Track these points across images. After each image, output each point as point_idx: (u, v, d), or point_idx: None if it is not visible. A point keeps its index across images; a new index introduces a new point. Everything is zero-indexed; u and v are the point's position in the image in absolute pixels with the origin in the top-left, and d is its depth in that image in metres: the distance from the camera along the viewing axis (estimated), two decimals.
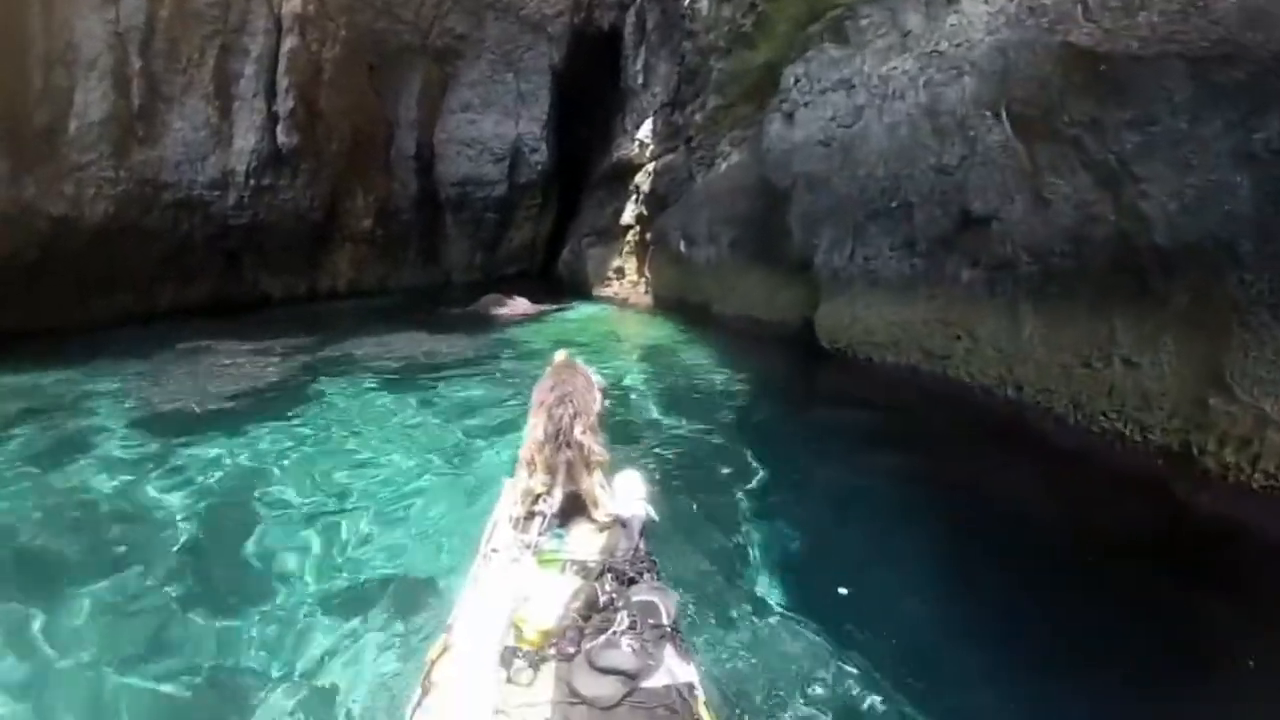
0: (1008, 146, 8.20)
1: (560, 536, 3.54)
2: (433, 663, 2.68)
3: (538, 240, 27.61)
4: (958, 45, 8.85)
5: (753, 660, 3.88)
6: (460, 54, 24.48)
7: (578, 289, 23.61)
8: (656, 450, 7.76)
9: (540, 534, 3.45)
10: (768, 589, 4.80)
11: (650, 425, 8.85)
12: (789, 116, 11.77)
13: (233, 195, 19.96)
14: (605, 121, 24.71)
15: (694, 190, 16.98)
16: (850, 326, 10.63)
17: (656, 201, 19.20)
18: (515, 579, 3.00)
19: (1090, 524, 5.99)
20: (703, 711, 2.46)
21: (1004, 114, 8.18)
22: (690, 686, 2.50)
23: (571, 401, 3.74)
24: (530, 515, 3.58)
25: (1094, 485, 6.73)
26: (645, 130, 20.39)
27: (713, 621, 4.25)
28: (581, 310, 20.11)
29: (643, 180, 20.52)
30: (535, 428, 3.79)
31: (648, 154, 20.38)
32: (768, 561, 5.19)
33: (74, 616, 4.51)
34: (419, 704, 2.53)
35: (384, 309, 21.49)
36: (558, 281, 25.55)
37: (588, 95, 25.74)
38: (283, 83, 19.69)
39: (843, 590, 4.72)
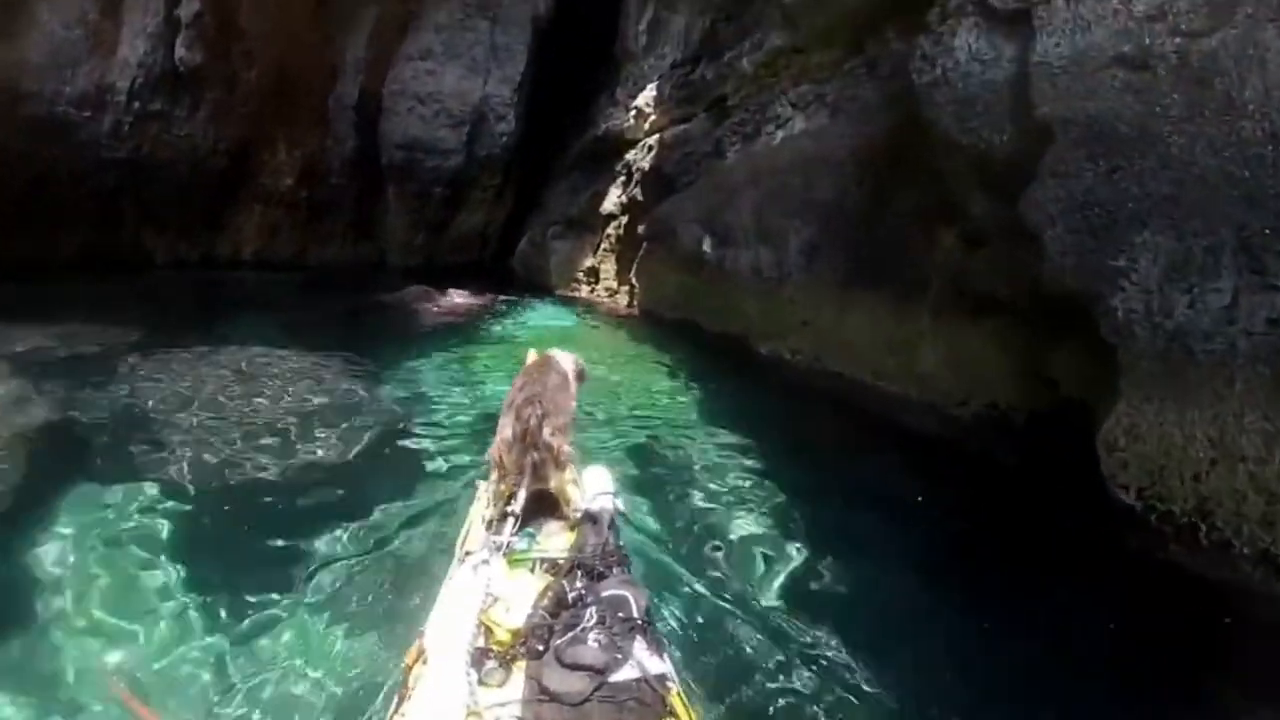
0: None
1: (531, 536, 3.47)
2: (409, 668, 2.68)
3: (492, 226, 23.11)
4: None
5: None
6: None
7: (536, 288, 19.34)
8: None
9: (511, 534, 3.33)
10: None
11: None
12: (1015, 18, 6.23)
13: (109, 119, 15.38)
14: (588, 94, 20.70)
15: (724, 168, 13.06)
16: (1223, 474, 4.62)
17: (658, 184, 15.16)
18: (485, 580, 2.92)
19: None
20: (675, 702, 2.43)
21: None
22: (662, 678, 2.47)
23: (540, 402, 3.66)
24: (503, 516, 3.44)
25: None
26: (646, 97, 16.34)
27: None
28: (538, 312, 15.99)
29: (638, 158, 16.52)
30: (504, 428, 3.72)
31: (647, 125, 16.37)
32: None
33: None
34: (396, 710, 2.53)
35: (290, 288, 17.29)
36: (510, 278, 21.32)
37: (567, 61, 21.72)
38: None
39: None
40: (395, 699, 2.63)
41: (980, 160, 6.72)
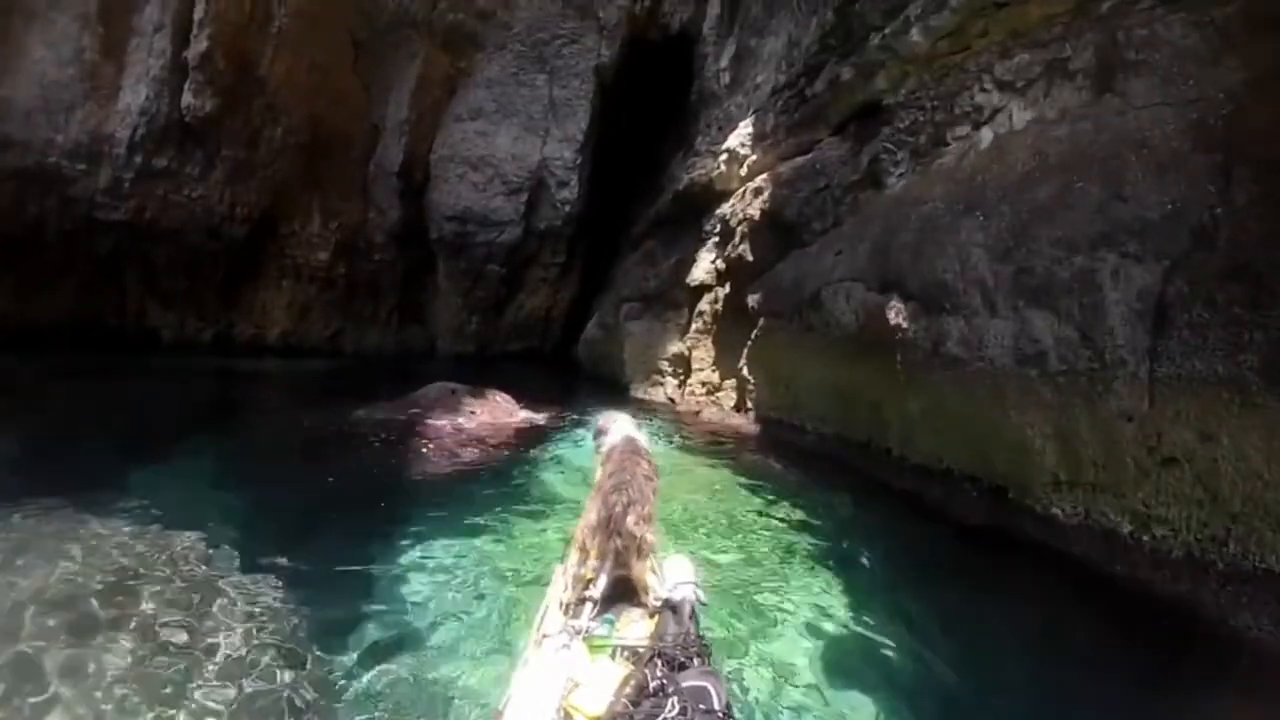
0: None
1: (610, 622, 3.31)
2: None
3: (555, 310, 20.38)
4: None
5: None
6: (478, 40, 18.11)
7: (604, 382, 16.13)
8: None
9: (590, 619, 3.23)
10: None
11: None
12: None
13: (105, 175, 13.41)
14: (660, 154, 18.10)
15: (889, 200, 9.24)
16: None
17: (775, 237, 11.65)
18: (565, 665, 2.87)
19: None
20: None
21: None
22: None
23: (628, 490, 3.60)
24: (581, 600, 3.36)
25: None
26: (740, 136, 13.16)
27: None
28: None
29: (737, 209, 13.00)
30: (589, 511, 3.70)
31: (744, 169, 13.04)
32: None
33: None
34: None
35: (302, 382, 14.47)
36: (574, 368, 18.28)
37: (635, 116, 19.32)
38: (199, 11, 13.20)
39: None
40: None
41: None
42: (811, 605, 4.81)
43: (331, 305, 17.41)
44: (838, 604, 4.88)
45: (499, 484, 7.68)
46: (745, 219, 12.44)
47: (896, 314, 7.77)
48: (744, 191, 12.86)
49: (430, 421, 10.27)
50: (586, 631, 3.15)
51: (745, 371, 11.64)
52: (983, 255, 6.83)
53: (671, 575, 3.51)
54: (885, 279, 8.22)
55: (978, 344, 6.67)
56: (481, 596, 4.69)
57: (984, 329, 6.65)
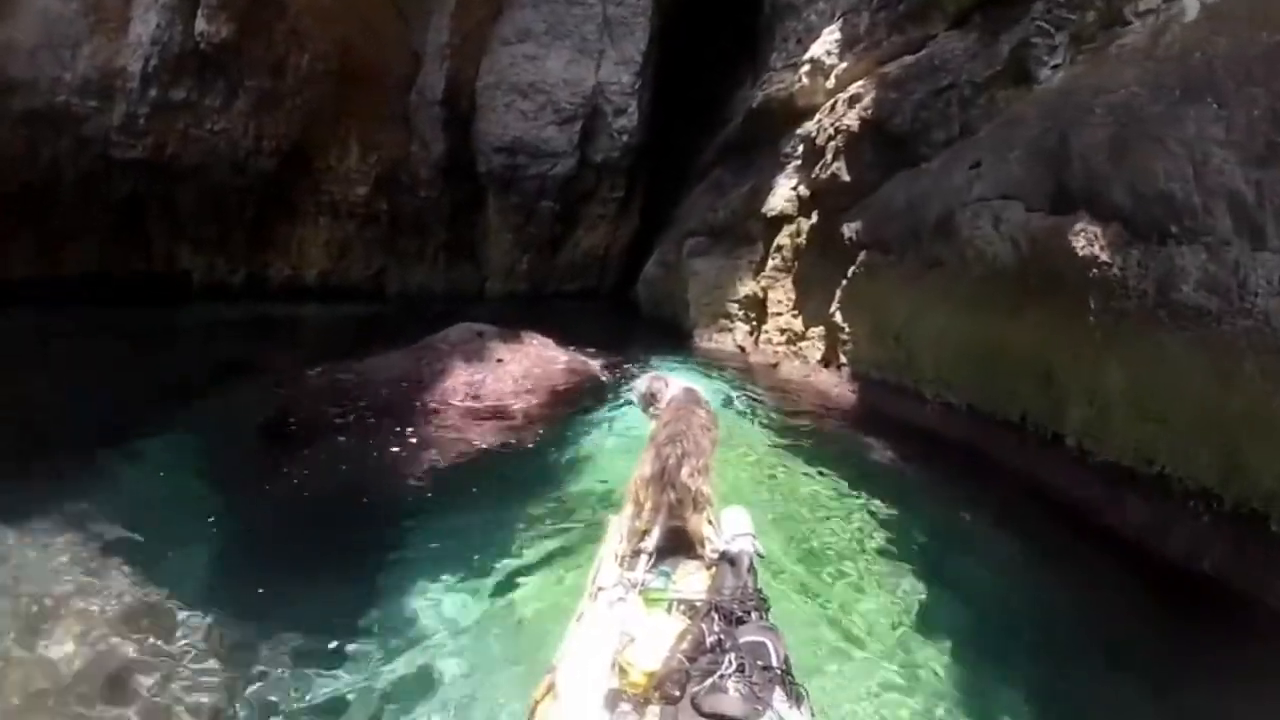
0: None
1: (666, 575, 3.31)
2: (536, 703, 2.64)
3: (614, 248, 18.97)
4: None
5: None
6: None
7: (664, 326, 14.72)
8: None
9: (646, 572, 3.27)
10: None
11: None
12: None
13: (119, 111, 12.65)
14: (727, 80, 16.20)
15: (1049, 96, 7.22)
16: None
17: (875, 152, 9.76)
18: (620, 619, 2.84)
19: None
20: None
21: None
22: None
23: (682, 441, 3.52)
24: (636, 553, 3.39)
25: None
26: (826, 43, 11.23)
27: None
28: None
29: (826, 124, 10.86)
30: (643, 464, 3.64)
31: (833, 80, 11.17)
32: None
33: None
34: None
35: (337, 330, 13.67)
36: (633, 311, 16.98)
37: (696, 39, 17.47)
38: None
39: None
40: None
41: None
42: None
43: (373, 243, 16.56)
44: None
45: (514, 486, 5.84)
46: (839, 132, 10.41)
47: (1089, 241, 5.72)
48: (834, 103, 10.91)
49: (435, 384, 8.32)
50: (642, 585, 3.14)
51: (837, 318, 9.77)
52: (1229, 158, 4.91)
53: (729, 527, 3.40)
54: (1062, 193, 6.23)
55: (1236, 289, 4.68)
56: None
57: (1246, 267, 4.68)
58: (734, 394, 9.32)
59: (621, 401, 8.09)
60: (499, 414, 7.96)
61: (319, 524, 5.33)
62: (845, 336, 9.65)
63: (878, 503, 5.70)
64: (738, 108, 14.94)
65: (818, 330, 10.58)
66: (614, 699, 2.46)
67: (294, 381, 8.60)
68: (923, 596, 4.34)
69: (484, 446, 7.03)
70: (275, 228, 15.12)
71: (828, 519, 5.44)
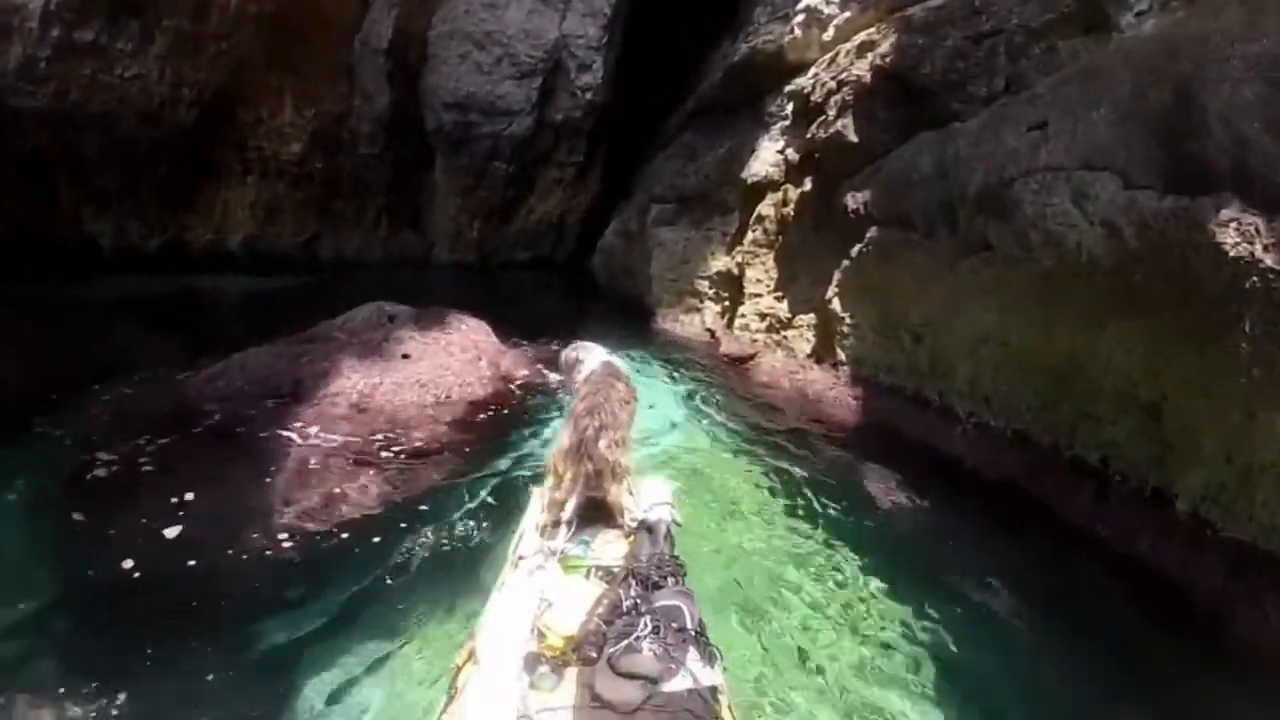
0: None
1: (586, 543, 3.40)
2: (458, 669, 2.67)
3: (570, 216, 17.78)
4: None
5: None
6: None
7: (623, 302, 13.64)
8: None
9: (566, 541, 3.35)
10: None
11: None
12: None
13: (16, 53, 10.89)
14: (703, 39, 14.92)
15: (1190, 41, 4.99)
16: None
17: (889, 110, 8.22)
18: (539, 585, 2.93)
19: None
20: (726, 715, 2.40)
21: None
22: (714, 690, 2.38)
23: (600, 414, 3.60)
24: (556, 523, 3.49)
25: None
26: None
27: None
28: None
29: (821, 78, 9.44)
30: (562, 436, 3.74)
31: (830, 33, 9.84)
32: None
33: None
34: (444, 710, 2.51)
35: (257, 307, 12.25)
36: (589, 283, 15.87)
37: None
38: None
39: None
40: (444, 699, 2.57)
41: None
42: None
43: (306, 205, 15.04)
44: None
45: (361, 601, 4.02)
46: (843, 85, 8.78)
47: (1242, 236, 4.17)
48: (835, 55, 9.52)
49: (312, 394, 6.33)
50: (562, 553, 3.24)
51: (835, 305, 8.35)
52: None
53: (648, 497, 3.45)
54: (1187, 168, 4.67)
55: None
56: None
57: None
58: (700, 394, 8.07)
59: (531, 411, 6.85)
60: (388, 443, 5.98)
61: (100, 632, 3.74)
62: (845, 329, 8.32)
63: (886, 582, 4.39)
64: (715, 66, 13.60)
65: (807, 318, 9.24)
66: (533, 661, 2.50)
67: (120, 399, 6.67)
68: None
69: (347, 506, 5.01)
70: (196, 188, 13.46)
71: (820, 615, 4.11)
